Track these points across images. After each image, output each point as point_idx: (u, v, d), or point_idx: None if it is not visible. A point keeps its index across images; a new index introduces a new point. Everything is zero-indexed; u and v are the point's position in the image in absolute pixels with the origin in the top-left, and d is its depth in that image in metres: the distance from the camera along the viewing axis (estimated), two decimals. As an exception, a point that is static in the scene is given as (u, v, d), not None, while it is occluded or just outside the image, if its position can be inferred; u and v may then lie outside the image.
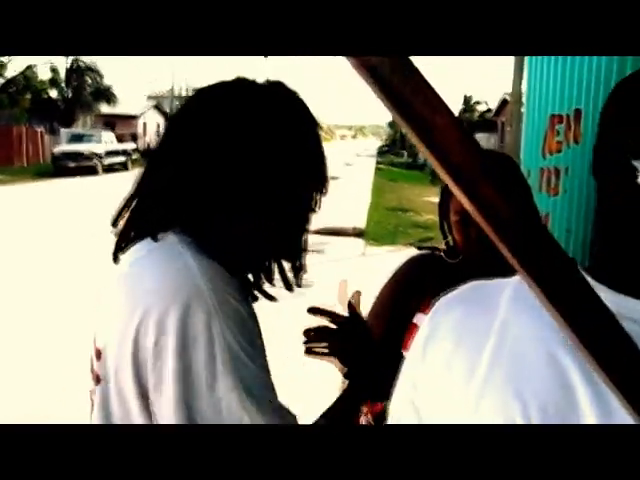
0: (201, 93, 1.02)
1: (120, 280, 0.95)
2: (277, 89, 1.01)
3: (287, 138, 0.97)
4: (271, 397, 0.93)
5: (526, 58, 2.45)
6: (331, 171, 1.01)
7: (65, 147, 25.81)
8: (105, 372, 0.92)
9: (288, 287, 1.06)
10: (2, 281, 7.49)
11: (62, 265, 8.46)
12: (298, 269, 1.05)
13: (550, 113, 2.13)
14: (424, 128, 0.36)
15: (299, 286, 1.07)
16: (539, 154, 2.19)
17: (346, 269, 8.86)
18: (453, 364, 0.69)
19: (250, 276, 1.05)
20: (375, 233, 12.04)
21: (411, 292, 1.54)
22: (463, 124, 0.38)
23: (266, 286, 1.08)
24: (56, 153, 25.24)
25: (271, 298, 1.08)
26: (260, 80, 1.02)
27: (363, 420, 1.64)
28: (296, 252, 1.05)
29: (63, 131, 30.41)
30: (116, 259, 0.98)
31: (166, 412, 0.84)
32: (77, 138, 26.87)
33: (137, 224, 0.99)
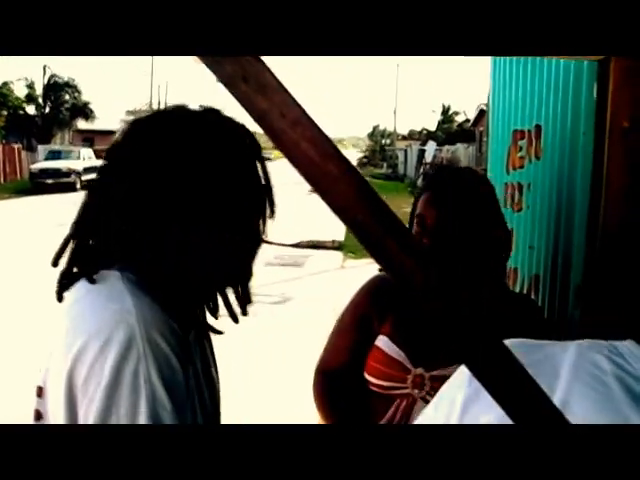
0: (136, 124, 1.02)
1: (62, 320, 0.94)
2: (212, 116, 1.00)
3: (221, 166, 0.96)
4: None
5: (490, 74, 2.46)
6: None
7: (43, 164, 25.56)
8: (45, 409, 0.93)
9: (234, 318, 1.05)
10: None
11: (44, 280, 8.36)
12: (244, 299, 1.04)
13: (513, 128, 2.15)
14: (313, 175, 0.36)
15: (245, 314, 1.05)
16: (504, 169, 2.21)
17: (325, 282, 8.84)
18: None
19: (192, 311, 1.03)
20: (354, 246, 12.01)
21: (372, 315, 1.53)
22: (368, 186, 0.37)
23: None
24: (34, 170, 25.00)
25: (218, 332, 1.06)
26: (195, 108, 1.01)
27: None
28: (242, 280, 1.03)
29: (41, 148, 30.15)
30: (60, 298, 0.97)
31: None
32: (55, 154, 26.63)
33: (79, 261, 0.98)
